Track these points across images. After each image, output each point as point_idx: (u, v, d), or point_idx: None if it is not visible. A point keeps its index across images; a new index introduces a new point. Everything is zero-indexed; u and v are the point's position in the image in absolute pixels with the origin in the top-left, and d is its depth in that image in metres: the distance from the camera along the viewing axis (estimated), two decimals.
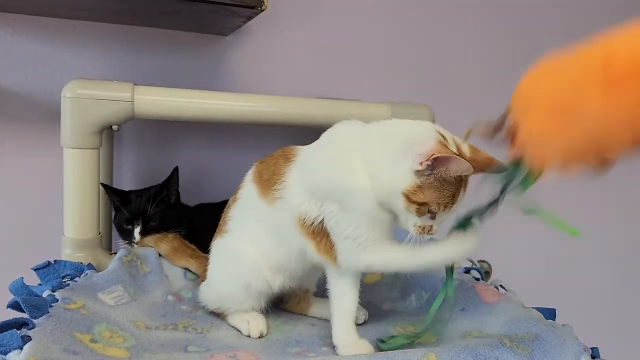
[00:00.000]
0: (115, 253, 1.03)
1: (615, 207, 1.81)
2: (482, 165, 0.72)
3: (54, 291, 0.79)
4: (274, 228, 0.85)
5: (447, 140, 0.72)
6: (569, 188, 1.71)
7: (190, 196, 1.27)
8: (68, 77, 1.26)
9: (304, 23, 1.43)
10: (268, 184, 0.84)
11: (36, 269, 0.82)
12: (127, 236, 1.15)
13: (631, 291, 1.87)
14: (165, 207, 1.17)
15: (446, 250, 0.76)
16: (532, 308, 0.85)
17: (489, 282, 0.96)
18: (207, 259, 1.00)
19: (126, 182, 1.32)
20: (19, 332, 0.64)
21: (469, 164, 0.68)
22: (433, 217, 0.73)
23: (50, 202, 1.26)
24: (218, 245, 0.93)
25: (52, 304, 0.74)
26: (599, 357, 0.76)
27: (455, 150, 0.72)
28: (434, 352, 0.70)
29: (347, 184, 0.75)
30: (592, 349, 0.77)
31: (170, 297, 0.97)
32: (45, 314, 0.71)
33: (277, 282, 0.88)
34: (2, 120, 1.24)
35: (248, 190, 0.89)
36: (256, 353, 0.78)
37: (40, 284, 0.83)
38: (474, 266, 1.06)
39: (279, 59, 1.43)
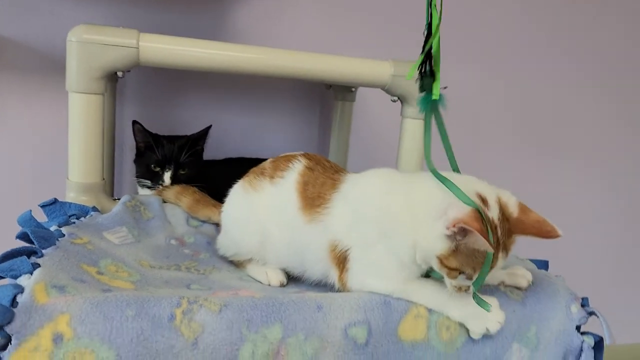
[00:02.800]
0: (118, 199, 1.05)
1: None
2: (529, 228, 0.70)
3: (60, 227, 0.80)
4: (300, 244, 0.84)
5: (487, 204, 0.69)
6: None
7: None
8: (71, 26, 1.25)
9: None
10: (312, 203, 0.82)
11: (43, 206, 0.84)
12: (154, 178, 1.16)
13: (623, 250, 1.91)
14: (196, 160, 1.19)
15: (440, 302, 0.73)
16: (527, 259, 0.88)
17: None
18: None
19: (128, 133, 1.33)
20: (29, 259, 0.66)
21: (487, 243, 0.63)
22: (470, 278, 0.69)
23: (53, 148, 1.27)
24: (239, 192, 0.92)
25: (59, 238, 0.76)
26: (588, 306, 0.79)
27: (497, 211, 0.69)
28: None
29: (393, 209, 0.74)
30: (582, 298, 0.80)
31: (173, 241, 0.98)
32: (52, 246, 0.72)
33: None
34: (6, 69, 1.24)
35: (289, 197, 0.85)
36: (257, 292, 0.80)
37: (47, 221, 0.84)
38: None
39: (284, 13, 1.42)
